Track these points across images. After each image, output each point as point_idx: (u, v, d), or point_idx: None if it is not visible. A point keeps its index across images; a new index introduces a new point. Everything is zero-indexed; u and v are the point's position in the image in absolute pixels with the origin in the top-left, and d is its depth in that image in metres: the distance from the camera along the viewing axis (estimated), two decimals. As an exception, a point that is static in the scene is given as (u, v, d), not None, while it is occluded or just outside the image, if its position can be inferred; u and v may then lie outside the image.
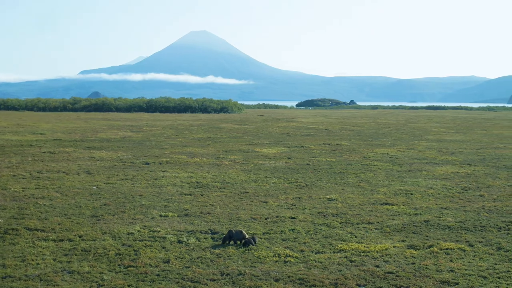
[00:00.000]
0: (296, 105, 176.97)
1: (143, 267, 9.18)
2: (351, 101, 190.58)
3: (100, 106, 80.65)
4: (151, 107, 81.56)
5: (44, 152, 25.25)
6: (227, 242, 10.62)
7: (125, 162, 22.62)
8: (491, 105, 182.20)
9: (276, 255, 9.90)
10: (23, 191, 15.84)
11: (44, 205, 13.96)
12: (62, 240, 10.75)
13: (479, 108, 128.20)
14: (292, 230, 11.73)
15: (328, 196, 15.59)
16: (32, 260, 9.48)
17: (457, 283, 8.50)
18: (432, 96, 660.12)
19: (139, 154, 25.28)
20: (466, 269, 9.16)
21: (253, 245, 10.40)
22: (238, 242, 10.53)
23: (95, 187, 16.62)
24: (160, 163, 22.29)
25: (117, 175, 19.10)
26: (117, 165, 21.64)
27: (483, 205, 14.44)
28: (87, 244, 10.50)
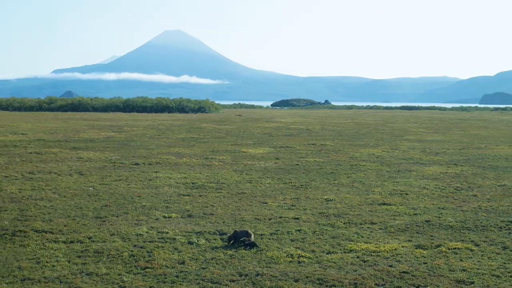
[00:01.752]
0: (271, 105, 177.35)
1: (160, 268, 9.20)
2: (326, 101, 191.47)
3: (76, 106, 79.98)
4: (128, 107, 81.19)
5: (30, 153, 25.03)
6: (232, 242, 10.66)
7: (115, 163, 22.52)
8: (464, 105, 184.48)
9: (289, 255, 9.99)
10: (20, 192, 15.71)
11: (45, 206, 13.87)
12: (72, 242, 10.71)
13: (452, 109, 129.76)
14: (299, 230, 11.83)
15: (325, 197, 15.73)
16: (47, 262, 9.44)
17: (472, 282, 8.67)
18: (405, 96, 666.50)
19: (127, 155, 25.18)
20: (477, 269, 9.34)
21: (257, 246, 10.44)
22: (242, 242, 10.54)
23: (91, 188, 16.54)
24: (150, 164, 22.25)
25: (110, 176, 19.02)
26: (107, 166, 21.54)
27: (479, 205, 14.69)
28: (98, 245, 10.48)
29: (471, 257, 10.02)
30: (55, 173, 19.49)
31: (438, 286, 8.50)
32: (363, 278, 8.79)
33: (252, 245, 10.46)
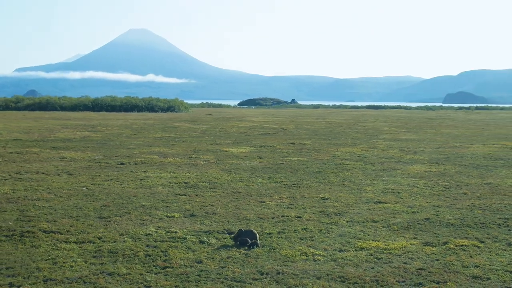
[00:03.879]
0: (238, 104, 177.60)
1: (179, 267, 9.21)
2: (292, 100, 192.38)
3: (44, 105, 78.93)
4: (97, 106, 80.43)
5: (11, 153, 24.68)
6: (237, 241, 10.72)
7: (100, 162, 22.35)
8: (429, 104, 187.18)
9: (303, 253, 10.09)
10: (14, 192, 15.49)
11: (44, 207, 13.72)
12: (83, 242, 10.64)
13: (417, 108, 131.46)
14: (305, 229, 11.93)
15: (320, 196, 15.87)
16: (64, 262, 9.37)
17: (488, 278, 8.89)
18: (370, 95, 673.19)
19: (110, 154, 25.00)
20: (489, 265, 9.56)
21: (258, 246, 10.51)
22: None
23: (85, 188, 16.41)
24: (136, 164, 22.14)
25: (99, 176, 18.88)
26: (93, 166, 21.37)
27: (472, 203, 14.99)
28: (110, 245, 10.43)
29: (480, 254, 10.25)
30: (43, 173, 19.27)
31: (456, 282, 8.69)
32: (382, 275, 8.94)
33: (254, 245, 10.49)
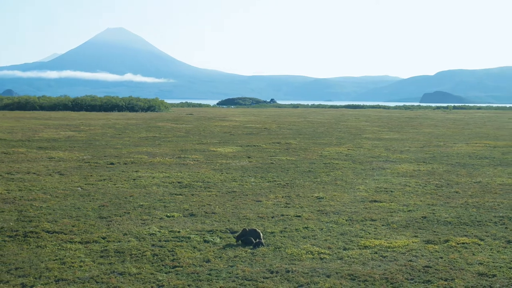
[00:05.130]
0: (218, 104, 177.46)
1: (189, 267, 9.25)
2: (272, 99, 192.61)
3: (23, 105, 78.15)
4: (77, 105, 79.85)
5: (-2, 153, 24.46)
6: (239, 240, 10.78)
7: (89, 162, 22.25)
8: (407, 104, 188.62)
9: (308, 252, 10.18)
10: (8, 193, 15.40)
11: (41, 207, 13.66)
12: (88, 242, 10.63)
13: (396, 107, 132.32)
14: (306, 228, 12.03)
15: (315, 195, 15.98)
16: (72, 262, 9.37)
17: (494, 275, 9.06)
18: (347, 95, 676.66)
19: (98, 154, 24.90)
20: (493, 262, 9.74)
21: (263, 245, 10.58)
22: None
23: (80, 188, 16.35)
24: (126, 163, 22.08)
25: (91, 176, 18.82)
26: (83, 166, 21.27)
27: (465, 201, 15.21)
28: (115, 245, 10.44)
29: (481, 251, 10.43)
30: (34, 173, 19.15)
31: (464, 279, 8.85)
32: (391, 273, 9.06)
33: (259, 244, 10.56)
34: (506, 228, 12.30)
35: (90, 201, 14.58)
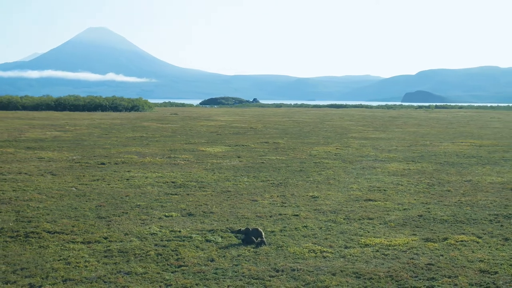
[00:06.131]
0: (200, 103, 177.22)
1: (194, 266, 9.29)
2: (254, 99, 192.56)
3: (5, 105, 77.60)
4: (60, 105, 79.50)
5: (-14, 153, 24.29)
6: (243, 239, 10.79)
7: (80, 162, 22.18)
8: (389, 103, 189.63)
9: (311, 251, 10.27)
10: (3, 193, 15.32)
11: (38, 207, 13.62)
12: (90, 242, 10.63)
13: (378, 107, 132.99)
14: (305, 227, 12.12)
15: (310, 194, 16.07)
16: (77, 262, 9.37)
17: (496, 272, 9.20)
18: (330, 94, 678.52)
19: (87, 154, 24.82)
20: (493, 259, 9.89)
21: (265, 244, 10.65)
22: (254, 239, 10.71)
23: (74, 189, 16.30)
24: (116, 163, 22.03)
25: (84, 176, 18.76)
26: (74, 166, 21.20)
27: (459, 200, 15.39)
28: (118, 245, 10.45)
29: (481, 249, 10.59)
30: (25, 173, 19.05)
31: (467, 276, 8.98)
32: (395, 271, 9.17)
33: (261, 243, 10.62)
34: (501, 226, 12.48)
35: (86, 201, 14.55)
